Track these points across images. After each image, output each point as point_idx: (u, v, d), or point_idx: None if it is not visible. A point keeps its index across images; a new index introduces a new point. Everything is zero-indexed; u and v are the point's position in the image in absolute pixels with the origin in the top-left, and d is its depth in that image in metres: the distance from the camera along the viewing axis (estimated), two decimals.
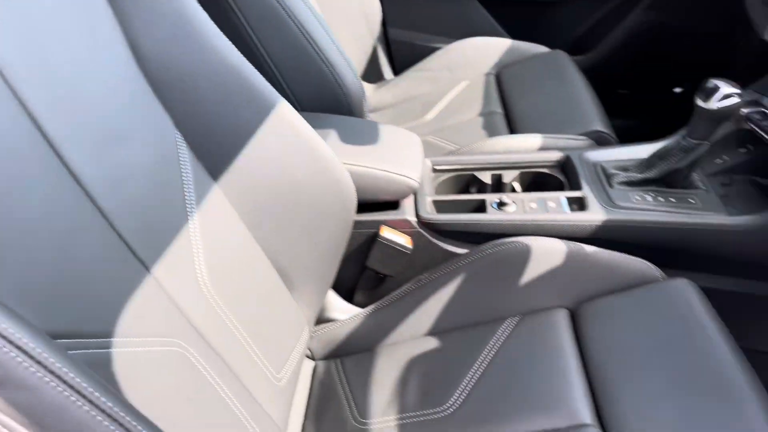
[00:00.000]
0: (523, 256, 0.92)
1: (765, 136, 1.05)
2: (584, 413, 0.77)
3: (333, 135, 1.02)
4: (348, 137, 1.02)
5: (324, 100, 1.14)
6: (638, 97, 1.84)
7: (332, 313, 1.01)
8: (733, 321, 0.96)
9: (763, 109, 1.08)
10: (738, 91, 0.94)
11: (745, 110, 1.09)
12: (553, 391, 0.81)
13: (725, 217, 0.97)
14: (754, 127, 1.07)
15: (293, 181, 0.83)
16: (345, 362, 0.96)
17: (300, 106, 1.14)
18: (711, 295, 0.90)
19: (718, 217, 0.97)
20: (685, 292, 0.88)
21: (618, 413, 0.76)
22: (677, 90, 1.80)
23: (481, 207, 1.04)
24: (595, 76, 1.59)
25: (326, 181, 0.87)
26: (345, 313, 1.01)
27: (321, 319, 1.00)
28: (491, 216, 1.01)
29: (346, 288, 1.05)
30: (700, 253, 1.00)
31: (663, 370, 0.79)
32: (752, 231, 0.95)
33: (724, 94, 0.94)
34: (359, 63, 1.64)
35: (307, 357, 0.99)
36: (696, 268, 1.01)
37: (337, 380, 0.93)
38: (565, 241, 0.94)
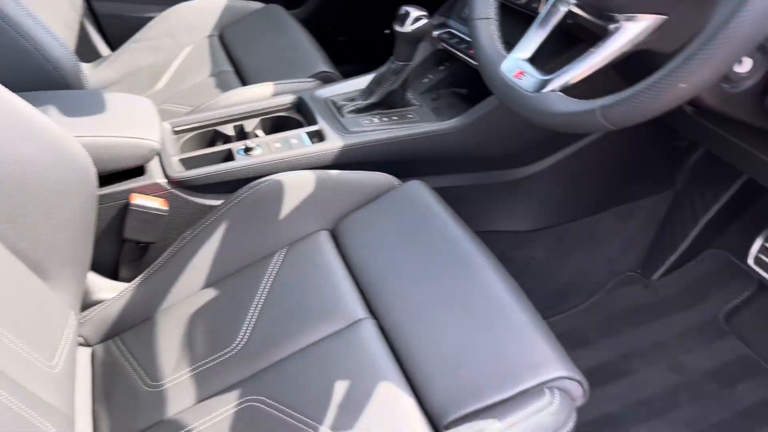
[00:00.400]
0: (276, 192, 0.98)
1: (455, 52, 1.24)
2: (358, 311, 0.87)
3: (55, 110, 0.95)
4: (73, 110, 0.96)
5: (35, 79, 1.05)
6: (356, 43, 1.99)
7: (99, 295, 0.97)
8: (464, 209, 1.14)
9: (450, 30, 1.27)
10: (425, 13, 1.09)
11: (436, 33, 1.27)
12: (329, 301, 0.89)
13: (437, 123, 1.14)
14: (446, 46, 1.26)
15: (16, 161, 0.77)
16: (125, 338, 0.93)
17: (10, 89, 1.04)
18: (443, 192, 1.05)
19: (432, 125, 1.13)
20: (418, 191, 1.01)
21: (385, 302, 0.87)
22: (387, 32, 1.99)
23: (229, 156, 1.07)
24: (314, 27, 1.69)
25: (56, 157, 0.82)
26: (113, 291, 0.97)
27: (88, 303, 0.95)
28: (240, 162, 1.04)
29: (108, 266, 1.01)
30: (427, 158, 1.15)
31: (413, 257, 0.91)
32: (459, 130, 1.13)
33: (415, 18, 1.08)
34: (69, 42, 1.51)
35: (82, 345, 0.94)
36: (427, 173, 1.17)
37: (120, 357, 0.90)
38: (312, 170, 1.02)
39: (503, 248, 1.31)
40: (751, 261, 1.19)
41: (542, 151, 1.23)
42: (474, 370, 0.76)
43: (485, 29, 0.80)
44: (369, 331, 0.84)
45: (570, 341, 1.26)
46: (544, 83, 0.72)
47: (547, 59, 0.83)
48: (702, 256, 1.35)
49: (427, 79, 1.28)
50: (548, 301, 1.32)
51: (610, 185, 1.35)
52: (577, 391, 0.75)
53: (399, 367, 0.80)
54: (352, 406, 0.76)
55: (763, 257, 1.17)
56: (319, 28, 1.78)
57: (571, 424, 0.70)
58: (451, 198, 1.09)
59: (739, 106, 0.76)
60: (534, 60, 0.80)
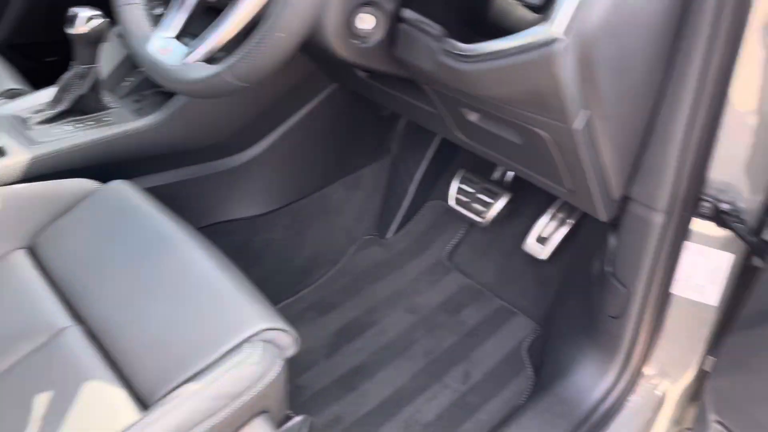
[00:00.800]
0: None
1: None
2: (60, 320, 0.83)
3: None
4: None
5: None
6: (68, 61, 1.87)
7: None
8: (189, 204, 1.13)
9: None
10: (99, 13, 1.06)
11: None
12: (27, 318, 0.83)
13: (134, 122, 1.12)
14: None
15: None
16: None
17: None
18: (161, 190, 1.03)
19: (128, 124, 1.11)
20: (120, 191, 0.99)
21: (91, 305, 0.84)
22: None
23: None
24: (18, 49, 1.56)
25: None
26: None
27: None
28: None
29: None
30: (132, 158, 1.12)
31: (117, 257, 0.89)
32: (158, 126, 1.12)
33: (87, 18, 1.05)
34: None
35: None
36: (140, 173, 1.14)
37: None
38: None
39: (241, 236, 1.33)
40: (452, 203, 1.36)
41: (254, 135, 1.27)
42: (179, 345, 0.77)
43: (130, 14, 0.81)
44: (73, 337, 0.81)
45: (320, 309, 1.33)
46: (187, 55, 0.74)
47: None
48: (423, 208, 1.51)
49: (127, 82, 1.25)
50: (295, 276, 1.37)
51: (331, 159, 1.44)
52: (285, 339, 0.79)
53: (107, 363, 0.78)
54: (58, 415, 0.72)
55: (461, 197, 1.34)
56: (23, 50, 1.66)
57: (276, 370, 0.74)
58: (171, 195, 1.08)
59: (375, 59, 0.86)
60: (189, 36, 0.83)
